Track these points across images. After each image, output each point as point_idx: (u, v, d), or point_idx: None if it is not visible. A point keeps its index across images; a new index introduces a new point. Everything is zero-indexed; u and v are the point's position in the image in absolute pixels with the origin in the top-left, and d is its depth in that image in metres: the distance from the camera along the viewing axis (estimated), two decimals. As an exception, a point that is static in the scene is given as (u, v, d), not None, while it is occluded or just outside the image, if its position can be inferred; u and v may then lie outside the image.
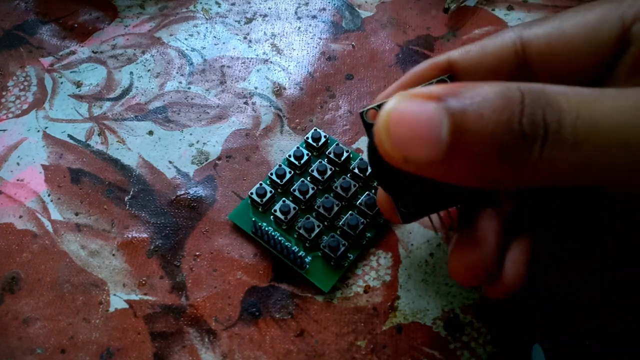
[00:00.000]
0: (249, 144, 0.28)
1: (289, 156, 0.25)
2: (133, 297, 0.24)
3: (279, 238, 0.23)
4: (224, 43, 0.32)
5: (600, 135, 0.13)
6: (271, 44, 0.31)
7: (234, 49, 0.31)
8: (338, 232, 0.24)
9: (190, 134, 0.28)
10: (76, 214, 0.26)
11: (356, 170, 0.25)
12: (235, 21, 0.32)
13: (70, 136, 0.28)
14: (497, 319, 0.22)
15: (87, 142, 0.28)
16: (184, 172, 0.27)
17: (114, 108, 0.29)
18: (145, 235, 0.25)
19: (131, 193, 0.26)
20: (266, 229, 0.24)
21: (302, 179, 0.25)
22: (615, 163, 0.13)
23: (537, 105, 0.14)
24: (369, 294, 0.23)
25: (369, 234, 0.24)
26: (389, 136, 0.14)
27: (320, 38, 0.31)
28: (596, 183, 0.15)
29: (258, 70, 0.30)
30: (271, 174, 0.25)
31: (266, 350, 0.22)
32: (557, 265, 0.23)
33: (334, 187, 0.25)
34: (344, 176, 0.25)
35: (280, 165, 0.25)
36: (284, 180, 0.25)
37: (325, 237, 0.24)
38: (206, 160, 0.27)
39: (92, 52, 0.31)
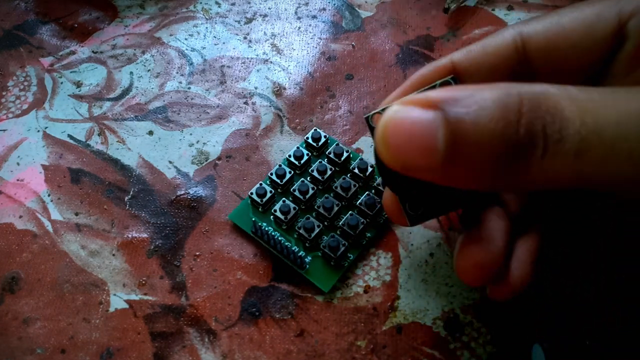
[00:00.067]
0: (249, 144, 0.28)
1: (289, 156, 0.25)
2: (133, 297, 0.24)
3: (279, 238, 0.23)
4: (224, 43, 0.32)
5: (605, 143, 0.13)
6: (271, 44, 0.31)
7: (234, 49, 0.31)
8: (338, 232, 0.24)
9: (190, 134, 0.28)
10: (76, 214, 0.26)
11: (356, 170, 0.25)
12: (235, 21, 0.32)
13: (70, 136, 0.28)
14: (497, 319, 0.22)
15: (87, 142, 0.28)
16: (184, 172, 0.27)
17: (114, 108, 0.29)
18: (145, 235, 0.25)
19: (131, 193, 0.26)
20: (266, 229, 0.24)
21: (302, 179, 0.25)
22: (621, 171, 0.13)
23: (536, 113, 0.13)
24: (369, 294, 0.23)
25: (369, 234, 0.24)
26: (387, 145, 0.15)
27: (320, 38, 0.31)
28: (599, 189, 0.15)
29: (258, 70, 0.30)
30: (271, 174, 0.25)
31: (266, 350, 0.22)
32: (557, 266, 0.23)
33: (334, 187, 0.25)
34: (344, 176, 0.25)
35: (280, 165, 0.25)
36: (284, 180, 0.25)
37: (325, 237, 0.24)
38: (206, 160, 0.27)
39: (92, 52, 0.31)
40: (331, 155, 0.25)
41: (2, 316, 0.23)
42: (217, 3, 0.33)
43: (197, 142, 0.28)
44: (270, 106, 0.29)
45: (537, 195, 0.21)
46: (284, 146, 0.28)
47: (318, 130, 0.26)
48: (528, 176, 0.14)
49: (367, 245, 0.24)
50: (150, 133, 0.28)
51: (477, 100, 0.14)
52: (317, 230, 0.23)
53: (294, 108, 0.29)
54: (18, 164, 0.27)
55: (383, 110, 0.18)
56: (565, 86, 0.14)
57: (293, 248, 0.23)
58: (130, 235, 0.25)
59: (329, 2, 0.33)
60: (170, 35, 0.32)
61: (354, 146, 0.27)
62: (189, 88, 0.30)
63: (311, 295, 0.23)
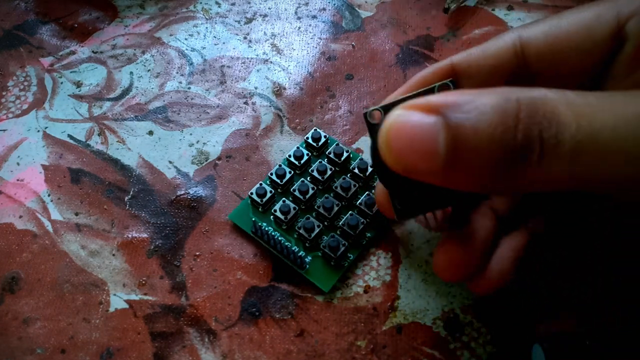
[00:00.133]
0: (249, 144, 0.28)
1: (289, 156, 0.25)
2: (133, 297, 0.24)
3: (279, 238, 0.23)
4: (224, 43, 0.32)
5: (601, 146, 0.13)
6: (271, 44, 0.31)
7: (234, 49, 0.31)
8: (338, 232, 0.24)
9: (190, 134, 0.28)
10: (76, 214, 0.26)
11: (356, 170, 0.25)
12: (235, 21, 0.32)
13: (70, 136, 0.28)
14: (497, 319, 0.22)
15: (87, 142, 0.28)
16: (184, 172, 0.27)
17: (114, 108, 0.29)
18: (145, 235, 0.25)
19: (131, 193, 0.26)
20: (266, 229, 0.24)
21: (302, 179, 0.25)
22: (617, 173, 0.14)
23: (533, 119, 0.14)
24: (369, 294, 0.23)
25: (369, 234, 0.24)
26: (389, 149, 0.15)
27: (320, 38, 0.31)
28: (597, 191, 0.15)
29: (258, 70, 0.30)
30: (271, 174, 0.25)
31: (266, 350, 0.22)
32: (556, 267, 0.23)
33: (334, 187, 0.25)
34: (344, 176, 0.25)
35: (280, 165, 0.25)
36: (284, 180, 0.25)
37: (325, 237, 0.24)
38: (206, 160, 0.27)
39: (92, 52, 0.31)
40: (331, 155, 0.25)
41: (2, 316, 0.23)
42: (217, 3, 0.33)
43: (197, 142, 0.28)
44: (270, 106, 0.29)
45: (528, 196, 0.21)
46: (284, 146, 0.28)
47: (318, 130, 0.26)
48: (526, 180, 0.14)
49: (367, 245, 0.24)
50: (150, 133, 0.28)
51: (477, 105, 0.14)
52: (317, 230, 0.23)
53: (294, 108, 0.29)
54: (18, 164, 0.27)
55: (382, 107, 0.19)
56: (563, 91, 0.14)
57: (293, 248, 0.23)
58: (130, 235, 0.25)
59: (329, 2, 0.33)
60: (170, 35, 0.32)
61: (354, 146, 0.27)
62: (189, 88, 0.30)
63: (311, 295, 0.23)
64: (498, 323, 0.22)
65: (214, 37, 0.32)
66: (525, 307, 0.22)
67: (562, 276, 0.23)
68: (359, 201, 0.24)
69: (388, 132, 0.15)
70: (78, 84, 0.30)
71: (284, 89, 0.30)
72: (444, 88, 0.19)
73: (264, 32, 0.32)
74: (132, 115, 0.29)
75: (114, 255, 0.25)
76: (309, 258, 0.23)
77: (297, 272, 0.23)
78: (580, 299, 0.22)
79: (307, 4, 0.33)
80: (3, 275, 0.24)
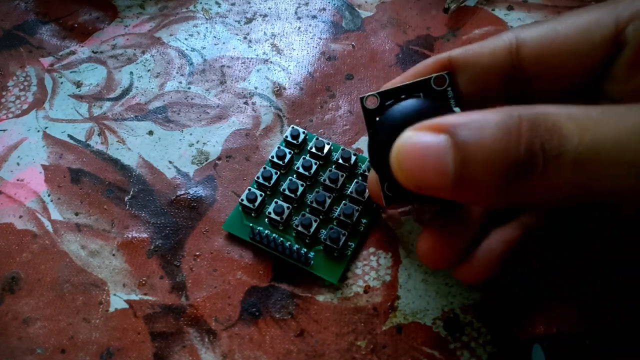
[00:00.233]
0: (249, 144, 0.28)
1: (272, 157, 0.26)
2: (133, 297, 0.24)
3: (279, 239, 0.23)
4: (224, 43, 0.32)
5: (602, 157, 0.14)
6: (271, 44, 0.31)
7: (234, 49, 0.31)
8: (335, 223, 0.24)
9: (190, 134, 0.28)
10: (76, 214, 0.26)
11: (340, 161, 0.25)
12: (235, 21, 0.32)
13: (70, 136, 0.28)
14: (497, 319, 0.22)
15: (87, 142, 0.28)
16: (184, 172, 0.27)
17: (114, 108, 0.29)
18: (145, 235, 0.25)
19: (131, 193, 0.26)
20: (264, 232, 0.24)
21: (289, 177, 0.25)
22: (619, 182, 0.14)
23: (535, 132, 0.14)
24: (369, 294, 0.23)
25: (365, 220, 0.24)
26: (401, 168, 0.16)
27: (320, 38, 0.31)
28: (600, 200, 0.15)
29: (258, 70, 0.30)
30: (258, 178, 0.25)
31: (266, 350, 0.22)
32: (555, 267, 0.23)
33: (322, 181, 0.25)
34: (329, 168, 0.25)
35: (265, 168, 0.25)
36: (272, 182, 0.25)
37: (324, 230, 0.24)
38: (206, 160, 0.27)
39: (92, 52, 0.31)
40: (313, 150, 0.26)
41: (2, 316, 0.23)
42: (217, 3, 0.33)
43: (197, 142, 0.28)
44: (270, 106, 0.29)
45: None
46: (284, 146, 0.28)
47: (296, 127, 0.26)
48: (532, 193, 0.15)
49: (365, 232, 0.24)
50: (150, 133, 0.28)
51: (482, 123, 0.15)
52: (314, 225, 0.24)
53: (294, 108, 0.29)
54: (18, 164, 0.27)
55: (378, 93, 0.20)
56: (566, 105, 0.15)
57: (295, 247, 0.23)
58: (130, 235, 0.25)
59: (329, 2, 0.33)
60: (170, 35, 0.32)
61: (354, 146, 0.27)
62: (189, 88, 0.30)
63: (311, 295, 0.23)
64: (498, 323, 0.22)
65: (214, 37, 0.32)
66: (524, 305, 0.22)
67: (562, 275, 0.23)
68: (349, 190, 0.25)
69: (399, 153, 0.16)
70: (78, 84, 0.30)
71: (284, 89, 0.30)
72: (440, 79, 0.19)
73: (264, 32, 0.32)
74: (132, 115, 0.29)
75: (114, 255, 0.25)
76: (312, 254, 0.23)
77: (298, 271, 0.23)
78: (580, 299, 0.22)
79: (307, 4, 0.33)
80: (3, 275, 0.24)
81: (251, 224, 0.24)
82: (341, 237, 0.23)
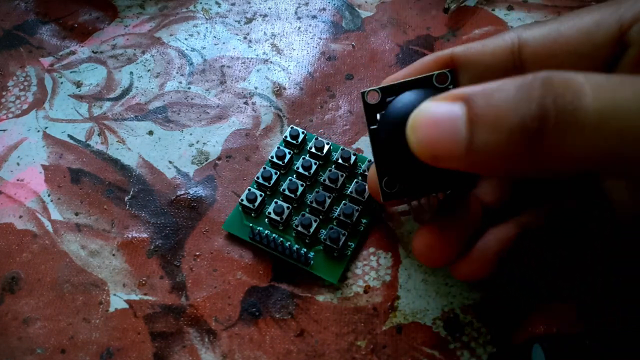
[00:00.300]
0: (249, 144, 0.28)
1: (272, 157, 0.26)
2: (133, 297, 0.24)
3: (279, 239, 0.23)
4: (224, 43, 0.32)
5: (621, 117, 0.13)
6: (271, 44, 0.31)
7: (234, 49, 0.31)
8: (335, 223, 0.24)
9: (190, 134, 0.28)
10: (76, 214, 0.26)
11: (340, 161, 0.25)
12: (235, 21, 0.32)
13: (70, 136, 0.28)
14: (497, 319, 0.22)
15: (87, 142, 0.28)
16: (184, 172, 0.27)
17: (114, 108, 0.29)
18: (145, 235, 0.25)
19: (131, 193, 0.26)
20: (264, 232, 0.24)
21: (289, 177, 0.25)
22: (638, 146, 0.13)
23: (547, 87, 0.14)
24: (369, 294, 0.23)
25: (364, 220, 0.24)
26: (416, 138, 0.15)
27: (320, 38, 0.31)
28: (614, 169, 0.14)
29: (258, 70, 0.30)
30: (257, 178, 0.25)
31: (266, 350, 0.22)
32: (555, 268, 0.23)
33: (321, 181, 0.25)
34: (329, 168, 0.25)
35: (264, 168, 0.25)
36: (272, 182, 0.25)
37: (324, 230, 0.24)
38: (206, 160, 0.27)
39: (92, 52, 0.31)
40: (312, 150, 0.26)
41: (2, 316, 0.23)
42: (217, 3, 0.33)
43: (197, 142, 0.28)
44: (270, 106, 0.29)
45: (518, 188, 0.21)
46: (284, 146, 0.28)
47: (295, 127, 0.26)
48: (545, 157, 0.14)
49: (365, 232, 0.24)
50: (150, 133, 0.28)
51: (498, 87, 0.15)
52: (314, 225, 0.24)
53: (294, 108, 0.29)
54: (18, 164, 0.27)
55: (379, 88, 0.20)
56: (579, 72, 0.14)
57: (294, 247, 0.23)
58: (130, 235, 0.25)
59: (329, 2, 0.33)
60: (170, 35, 0.32)
61: (354, 146, 0.27)
62: (189, 88, 0.30)
63: (311, 295, 0.23)
64: (498, 323, 0.22)
65: (214, 37, 0.32)
66: (524, 305, 0.22)
67: (562, 275, 0.23)
68: (349, 190, 0.25)
69: (414, 122, 0.16)
70: (78, 84, 0.30)
71: (284, 89, 0.30)
72: (442, 76, 0.19)
73: (264, 32, 0.32)
74: (132, 115, 0.29)
75: (114, 255, 0.25)
76: (312, 254, 0.23)
77: (298, 271, 0.23)
78: (580, 299, 0.22)
79: (307, 4, 0.33)
80: (3, 275, 0.24)
81: (251, 224, 0.24)
82: (341, 237, 0.23)
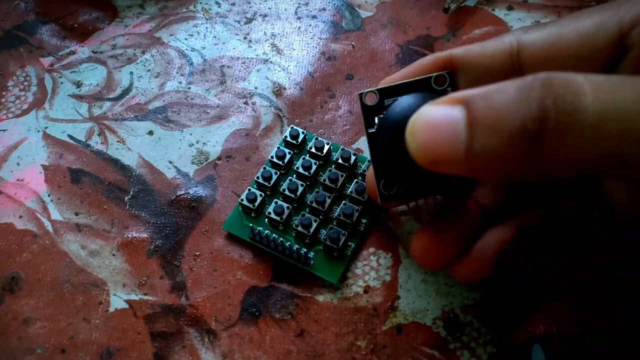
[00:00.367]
0: (249, 144, 0.28)
1: (272, 157, 0.26)
2: (133, 297, 0.24)
3: (279, 239, 0.23)
4: (224, 43, 0.32)
5: (622, 118, 0.13)
6: (271, 44, 0.31)
7: (234, 49, 0.31)
8: (335, 223, 0.24)
9: (190, 134, 0.28)
10: (76, 214, 0.26)
11: (340, 161, 0.25)
12: (235, 21, 0.32)
13: (70, 136, 0.28)
14: (497, 319, 0.22)
15: (87, 142, 0.28)
16: (184, 172, 0.27)
17: (114, 108, 0.29)
18: (145, 235, 0.25)
19: (131, 193, 0.26)
20: (264, 232, 0.24)
21: (289, 177, 0.25)
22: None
23: (547, 89, 0.14)
24: (369, 294, 0.23)
25: (364, 220, 0.24)
26: (415, 143, 0.15)
27: (320, 38, 0.31)
28: (615, 171, 0.14)
29: (258, 70, 0.30)
30: (257, 178, 0.25)
31: (266, 350, 0.22)
32: (555, 269, 0.23)
33: (321, 181, 0.25)
34: (329, 168, 0.25)
35: (264, 168, 0.25)
36: (272, 182, 0.25)
37: (324, 231, 0.24)
38: (206, 160, 0.27)
39: (92, 52, 0.31)
40: (312, 150, 0.26)
41: (2, 316, 0.23)
42: (217, 3, 0.33)
43: (197, 142, 0.28)
44: (270, 106, 0.29)
45: (516, 190, 0.21)
46: (284, 146, 0.28)
47: (295, 127, 0.26)
48: (546, 159, 0.14)
49: (365, 232, 0.24)
50: (150, 133, 0.28)
51: (497, 89, 0.14)
52: (314, 225, 0.24)
53: (294, 108, 0.29)
54: (18, 164, 0.27)
55: (377, 90, 0.19)
56: (579, 73, 0.14)
57: (294, 247, 0.23)
58: (130, 235, 0.25)
59: (329, 2, 0.33)
60: (170, 35, 0.32)
61: (354, 146, 0.27)
62: (189, 88, 0.30)
63: (311, 295, 0.23)
64: (498, 323, 0.22)
65: (214, 37, 0.32)
66: (524, 305, 0.22)
67: (562, 276, 0.23)
68: (349, 190, 0.25)
69: (414, 126, 0.15)
70: (78, 84, 0.30)
71: (284, 89, 0.30)
72: (440, 78, 0.19)
73: (264, 32, 0.32)
74: (132, 115, 0.29)
75: (114, 255, 0.25)
76: (312, 254, 0.23)
77: (298, 271, 0.23)
78: (580, 299, 0.22)
79: (307, 4, 0.33)
80: (3, 275, 0.24)
81: (251, 224, 0.24)
82: (341, 237, 0.23)
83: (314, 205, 0.24)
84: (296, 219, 0.24)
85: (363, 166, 0.26)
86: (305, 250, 0.23)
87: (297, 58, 0.31)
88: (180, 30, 0.32)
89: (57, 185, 0.27)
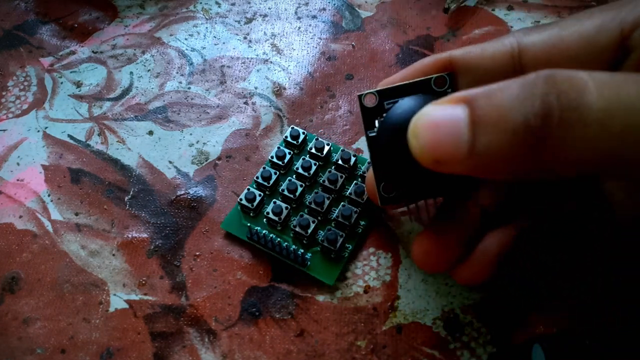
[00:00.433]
0: (249, 144, 0.28)
1: (272, 157, 0.26)
2: (133, 297, 0.24)
3: (276, 240, 0.23)
4: (224, 43, 0.32)
5: (626, 115, 0.13)
6: (271, 44, 0.31)
7: (234, 49, 0.31)
8: (333, 225, 0.24)
9: (190, 134, 0.28)
10: (76, 214, 0.26)
11: (340, 162, 0.25)
12: (235, 21, 0.32)
13: (70, 136, 0.28)
14: (497, 319, 0.22)
15: (87, 142, 0.28)
16: (184, 172, 0.27)
17: (114, 108, 0.29)
18: (145, 235, 0.25)
19: (131, 193, 0.26)
20: (261, 232, 0.24)
21: (289, 177, 0.25)
22: None
23: (551, 86, 0.13)
24: (369, 294, 0.23)
25: (363, 222, 0.24)
26: (418, 142, 0.15)
27: (320, 38, 0.31)
28: (619, 171, 0.14)
29: (258, 70, 0.30)
30: (257, 178, 0.25)
31: (266, 350, 0.22)
32: (555, 269, 0.23)
33: (321, 182, 0.25)
34: (329, 169, 0.25)
35: (264, 168, 0.25)
36: (271, 182, 0.25)
37: (322, 232, 0.24)
38: (206, 160, 0.27)
39: (92, 52, 0.31)
40: (312, 151, 0.26)
41: (2, 316, 0.23)
42: (217, 3, 0.33)
43: (197, 142, 0.28)
44: (270, 106, 0.29)
45: (516, 192, 0.21)
46: (284, 146, 0.28)
47: (295, 127, 0.26)
48: (550, 157, 0.14)
49: (363, 234, 0.24)
50: (150, 133, 0.28)
51: (500, 87, 0.14)
52: (312, 226, 0.24)
53: (294, 108, 0.29)
54: (18, 164, 0.27)
55: (376, 91, 0.19)
56: (584, 70, 0.14)
57: (292, 247, 0.23)
58: (130, 235, 0.25)
59: (329, 2, 0.33)
60: (170, 35, 0.32)
61: (354, 146, 0.27)
62: (189, 88, 0.30)
63: (311, 295, 0.23)
64: (498, 323, 0.22)
65: (214, 37, 0.32)
66: (524, 305, 0.22)
67: (562, 276, 0.23)
68: (348, 191, 0.25)
69: (416, 126, 0.15)
70: (78, 84, 0.30)
71: (284, 89, 0.30)
72: (440, 80, 0.19)
73: (264, 32, 0.32)
74: (132, 115, 0.29)
75: (114, 255, 0.25)
76: (309, 255, 0.23)
77: (298, 271, 0.23)
78: (580, 299, 0.22)
79: (307, 4, 0.33)
80: (3, 275, 0.24)
81: (249, 224, 0.24)
82: (339, 238, 0.23)
83: (313, 206, 0.24)
84: (294, 219, 0.24)
85: (363, 168, 0.26)
86: (302, 251, 0.23)
87: (297, 58, 0.31)
88: (180, 30, 0.32)
89: (57, 185, 0.27)
